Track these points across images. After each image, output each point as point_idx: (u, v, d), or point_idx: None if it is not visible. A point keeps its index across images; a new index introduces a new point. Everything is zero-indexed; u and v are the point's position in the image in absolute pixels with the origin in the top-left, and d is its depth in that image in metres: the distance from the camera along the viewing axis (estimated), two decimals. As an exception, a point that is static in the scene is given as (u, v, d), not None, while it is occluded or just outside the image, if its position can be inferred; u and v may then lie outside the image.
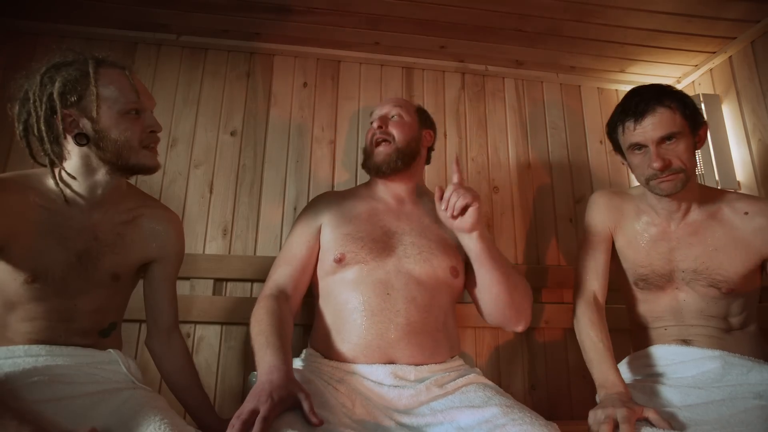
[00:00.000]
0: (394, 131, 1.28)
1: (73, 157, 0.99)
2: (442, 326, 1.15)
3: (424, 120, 1.36)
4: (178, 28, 1.66)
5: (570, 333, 1.41)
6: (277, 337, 1.01)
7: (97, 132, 0.97)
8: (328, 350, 1.12)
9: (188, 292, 1.47)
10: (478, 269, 1.14)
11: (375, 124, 1.30)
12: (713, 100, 1.75)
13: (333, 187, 1.68)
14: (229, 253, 1.56)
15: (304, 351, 1.20)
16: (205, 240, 1.56)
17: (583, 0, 1.51)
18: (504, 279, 1.13)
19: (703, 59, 1.80)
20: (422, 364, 1.08)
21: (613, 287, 1.26)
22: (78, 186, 1.01)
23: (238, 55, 1.75)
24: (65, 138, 0.97)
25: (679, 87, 1.94)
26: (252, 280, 1.53)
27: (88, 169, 1.00)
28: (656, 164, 1.06)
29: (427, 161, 1.40)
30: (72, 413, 0.87)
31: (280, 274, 1.18)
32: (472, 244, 1.11)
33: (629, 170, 1.18)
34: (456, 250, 1.21)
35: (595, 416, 0.95)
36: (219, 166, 1.64)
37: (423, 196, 1.33)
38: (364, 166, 1.31)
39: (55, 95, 0.94)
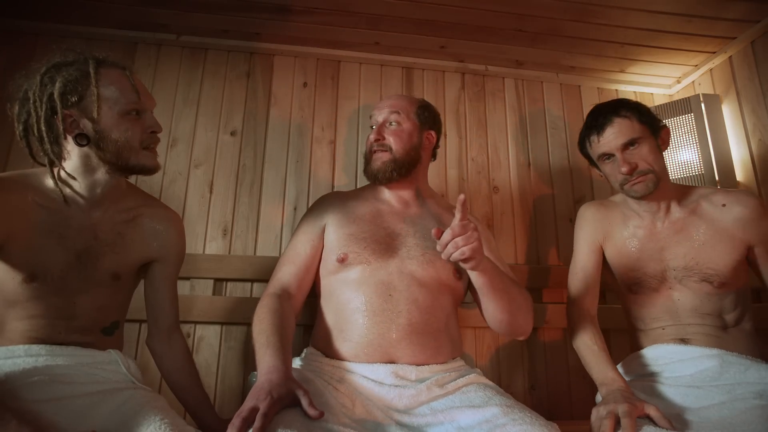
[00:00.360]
0: (391, 141, 1.26)
1: (73, 157, 0.99)
2: (444, 327, 1.14)
3: (425, 121, 1.32)
4: (178, 28, 1.66)
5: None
6: (277, 337, 1.01)
7: (98, 132, 0.97)
8: (329, 349, 1.12)
9: (188, 292, 1.47)
10: (482, 297, 1.12)
11: (372, 137, 1.28)
12: (713, 100, 1.75)
13: (333, 187, 1.68)
14: (229, 253, 1.56)
15: (305, 350, 1.20)
16: (205, 240, 1.56)
17: (583, 0, 1.51)
18: (507, 306, 1.11)
19: (703, 59, 1.80)
20: (423, 364, 1.08)
21: (611, 288, 1.26)
22: (77, 185, 1.01)
23: (238, 55, 1.75)
24: (65, 138, 0.97)
25: (679, 87, 1.95)
26: (252, 280, 1.53)
27: (87, 168, 1.00)
28: (624, 169, 1.14)
29: (433, 157, 1.38)
30: (72, 413, 0.87)
31: (284, 273, 1.18)
32: (474, 277, 1.07)
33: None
34: None
35: (597, 413, 0.96)
36: (219, 166, 1.64)
37: (427, 198, 1.33)
38: (364, 172, 1.31)
39: (56, 95, 0.94)
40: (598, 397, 1.07)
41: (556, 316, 1.61)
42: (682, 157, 1.73)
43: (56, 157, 0.98)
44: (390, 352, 1.07)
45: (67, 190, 1.00)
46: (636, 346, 1.25)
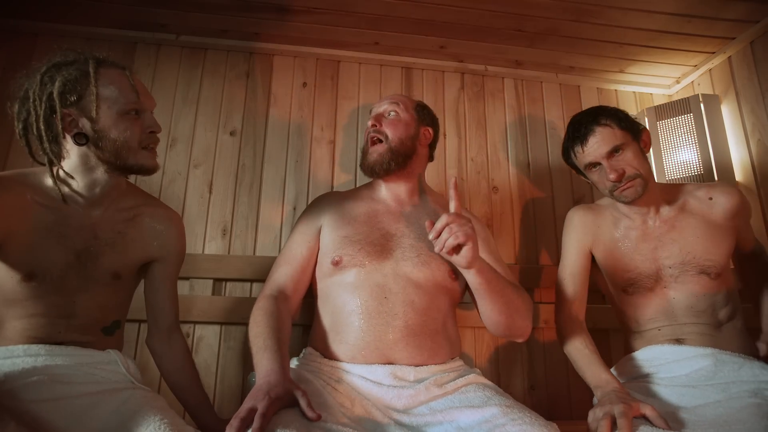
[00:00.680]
0: (387, 130, 1.26)
1: (72, 156, 0.99)
2: (441, 328, 1.14)
3: (423, 117, 1.33)
4: (178, 27, 1.66)
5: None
6: (274, 340, 1.01)
7: (97, 132, 0.97)
8: (326, 350, 1.11)
9: (188, 292, 1.47)
10: (478, 299, 1.12)
11: (370, 122, 1.29)
12: (712, 101, 1.75)
13: (332, 186, 1.68)
14: (229, 253, 1.56)
15: (304, 350, 1.20)
16: (204, 240, 1.56)
17: (583, 0, 1.51)
18: (505, 308, 1.10)
19: (702, 59, 1.81)
20: (421, 365, 1.07)
21: (602, 291, 1.26)
22: (76, 185, 1.01)
23: (237, 55, 1.75)
24: (64, 137, 0.97)
25: (678, 87, 1.95)
26: (251, 280, 1.53)
27: (86, 168, 1.00)
28: (612, 176, 1.15)
29: (430, 158, 1.38)
30: (71, 413, 0.87)
31: (280, 274, 1.18)
32: (470, 277, 1.07)
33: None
34: None
35: (593, 415, 0.97)
36: (218, 165, 1.64)
37: (425, 195, 1.32)
38: (361, 166, 1.30)
39: (55, 94, 0.94)
40: (596, 399, 1.08)
41: (556, 316, 1.61)
42: (682, 157, 1.73)
43: (55, 156, 0.98)
44: (387, 354, 1.07)
45: (66, 189, 1.00)
46: (630, 348, 1.26)
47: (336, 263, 1.15)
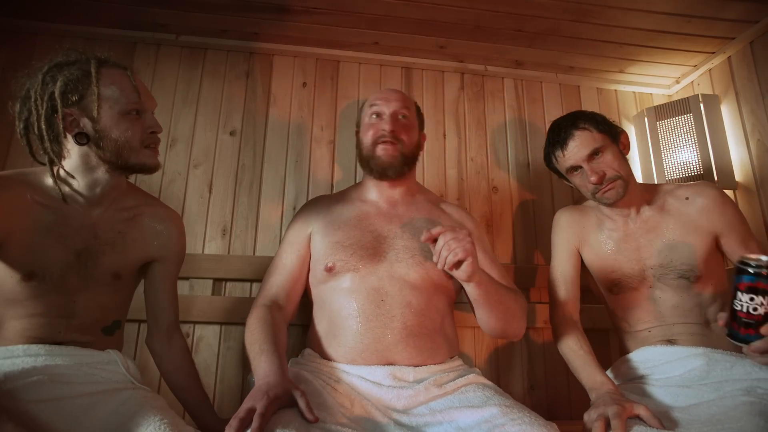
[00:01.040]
0: (403, 135, 1.23)
1: (73, 156, 0.99)
2: (440, 328, 1.14)
3: (421, 122, 1.34)
4: (178, 27, 1.66)
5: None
6: (270, 344, 1.01)
7: (98, 131, 0.97)
8: (325, 353, 1.11)
9: (187, 292, 1.47)
10: (476, 307, 1.12)
11: (387, 127, 1.21)
12: (712, 101, 1.75)
13: (332, 186, 1.68)
14: (229, 253, 1.56)
15: (303, 351, 1.20)
16: (204, 240, 1.56)
17: (582, 0, 1.51)
18: (503, 315, 1.12)
19: (702, 59, 1.81)
20: (421, 365, 1.07)
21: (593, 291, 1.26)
22: (77, 184, 1.01)
23: (237, 55, 1.75)
24: (65, 137, 0.98)
25: (678, 87, 1.95)
26: (251, 280, 1.53)
27: (87, 167, 1.00)
28: (593, 179, 1.18)
29: None
30: (71, 413, 0.87)
31: (272, 284, 1.18)
32: (469, 289, 1.07)
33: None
34: None
35: (588, 417, 0.98)
36: (218, 165, 1.63)
37: (416, 194, 1.31)
38: (366, 166, 1.25)
39: (57, 94, 0.94)
40: (591, 401, 1.08)
41: (556, 316, 1.61)
42: (681, 157, 1.73)
43: (56, 156, 0.98)
44: (387, 355, 1.06)
45: (66, 189, 1.00)
46: (625, 349, 1.26)
47: (329, 269, 1.14)
